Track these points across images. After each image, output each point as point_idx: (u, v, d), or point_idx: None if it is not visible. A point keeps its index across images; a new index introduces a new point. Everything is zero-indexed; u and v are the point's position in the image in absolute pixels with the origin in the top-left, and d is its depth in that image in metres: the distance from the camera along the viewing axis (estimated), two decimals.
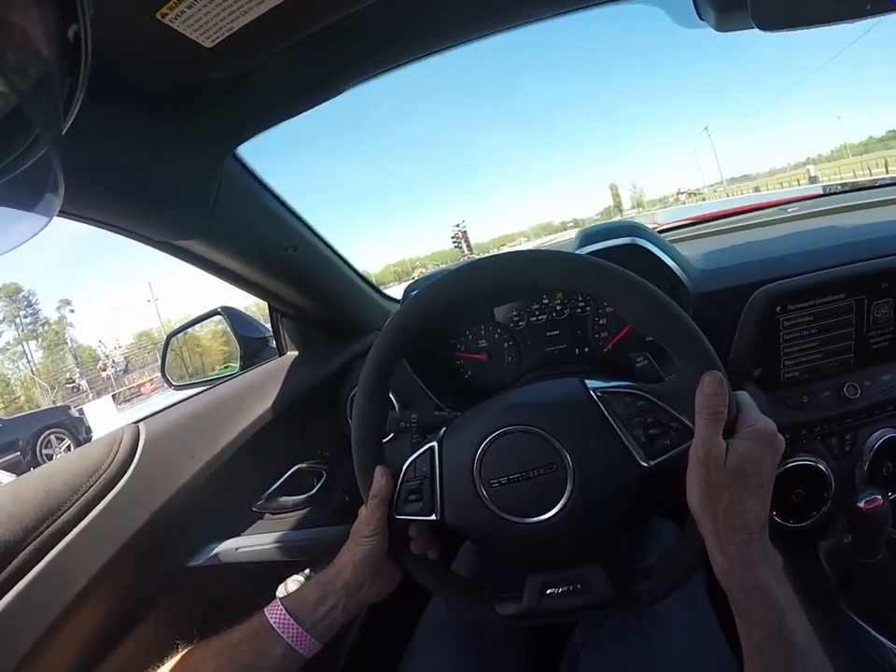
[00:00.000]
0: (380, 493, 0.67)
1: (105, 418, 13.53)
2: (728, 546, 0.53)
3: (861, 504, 0.85)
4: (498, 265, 0.64)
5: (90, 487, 0.80)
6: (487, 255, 0.70)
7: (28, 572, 0.69)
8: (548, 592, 0.64)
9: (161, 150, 0.77)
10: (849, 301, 0.94)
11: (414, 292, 1.09)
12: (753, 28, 0.68)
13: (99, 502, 0.80)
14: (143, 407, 21.17)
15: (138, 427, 0.92)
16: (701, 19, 0.79)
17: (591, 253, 1.00)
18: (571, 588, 0.63)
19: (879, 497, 0.85)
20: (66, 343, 48.89)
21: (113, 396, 24.32)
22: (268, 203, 1.00)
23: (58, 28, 0.33)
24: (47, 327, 48.82)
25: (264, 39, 0.63)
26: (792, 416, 0.96)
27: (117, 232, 0.81)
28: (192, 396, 1.11)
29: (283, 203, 1.03)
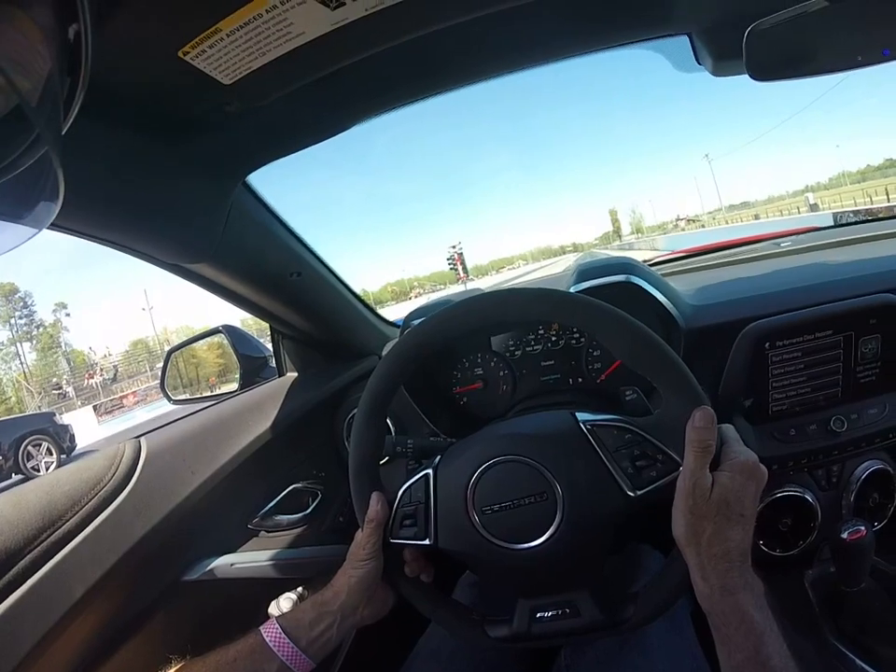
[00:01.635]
0: (376, 518, 0.69)
1: (82, 430, 13.18)
2: (710, 573, 0.55)
3: (845, 535, 0.85)
4: (500, 301, 0.67)
5: (91, 499, 0.81)
6: (489, 289, 0.72)
7: (27, 580, 0.70)
8: (538, 616, 0.65)
9: (175, 175, 0.81)
10: (837, 338, 0.96)
11: (416, 321, 1.11)
12: (747, 75, 0.72)
13: (99, 514, 0.81)
14: (123, 420, 20.88)
15: (139, 441, 0.94)
16: (699, 64, 0.83)
17: (586, 290, 1.03)
18: (560, 612, 0.64)
19: (862, 527, 0.86)
20: (60, 346, 48.54)
21: (94, 407, 23.84)
22: (275, 229, 1.04)
23: (58, 28, 0.33)
24: (41, 329, 48.51)
25: (280, 78, 0.66)
26: (780, 448, 0.98)
27: (129, 253, 0.84)
28: (193, 413, 1.13)
29: (289, 230, 1.06)
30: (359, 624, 0.74)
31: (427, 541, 0.67)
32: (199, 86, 0.62)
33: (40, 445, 10.46)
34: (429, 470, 0.69)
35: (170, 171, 0.79)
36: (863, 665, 0.85)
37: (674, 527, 0.58)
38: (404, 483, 0.70)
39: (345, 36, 0.59)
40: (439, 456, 0.71)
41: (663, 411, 0.62)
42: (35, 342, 47.36)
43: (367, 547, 0.69)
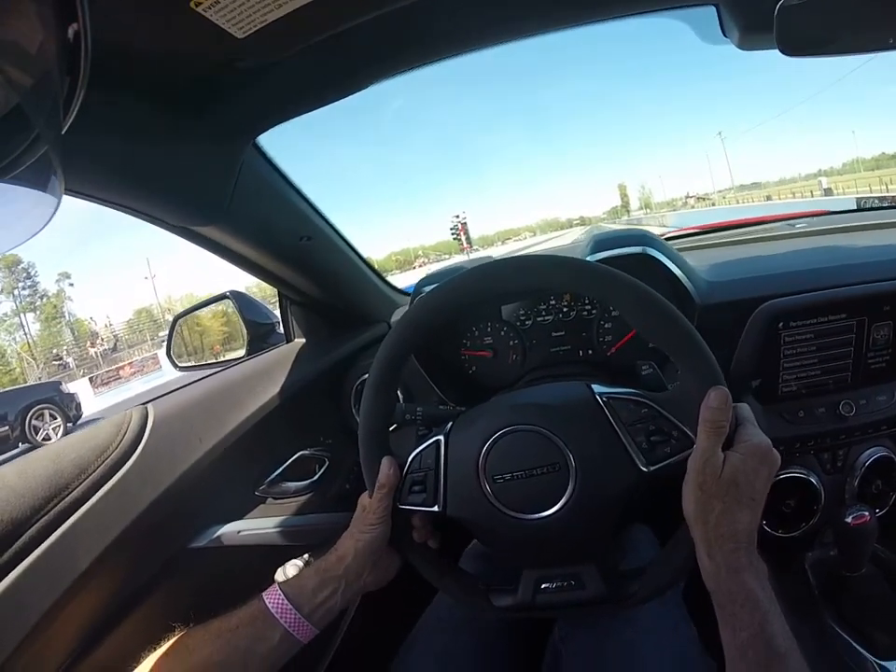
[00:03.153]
0: (387, 483, 0.69)
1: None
2: (717, 552, 0.55)
3: (849, 519, 0.86)
4: (518, 267, 0.66)
5: (97, 467, 0.82)
6: (505, 256, 0.71)
7: (35, 549, 0.71)
8: (542, 587, 0.66)
9: (184, 137, 0.79)
10: (850, 322, 0.95)
11: (427, 288, 1.10)
12: (775, 49, 0.70)
13: (106, 482, 0.82)
14: (119, 391, 20.90)
15: (146, 408, 0.94)
16: (725, 36, 0.81)
17: (602, 260, 1.02)
18: (565, 584, 0.65)
19: (867, 513, 0.86)
20: (64, 316, 48.67)
21: (90, 379, 23.75)
22: (286, 192, 1.02)
23: (58, 28, 0.33)
24: (45, 299, 48.60)
25: (295, 33, 0.64)
26: (788, 430, 0.98)
27: (135, 216, 0.83)
28: (200, 379, 1.13)
29: (300, 194, 1.05)
30: (363, 591, 0.75)
31: (435, 508, 0.67)
32: (211, 40, 0.61)
33: (46, 414, 10.54)
34: (441, 437, 0.69)
35: (180, 131, 0.78)
36: (860, 650, 0.86)
37: (684, 504, 0.59)
38: (414, 450, 0.70)
39: None
40: (450, 423, 0.71)
41: (680, 387, 0.62)
42: (38, 312, 47.51)
43: (377, 511, 0.69)
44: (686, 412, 0.59)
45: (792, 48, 0.70)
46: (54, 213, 0.37)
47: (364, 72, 0.81)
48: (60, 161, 0.35)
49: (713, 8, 0.78)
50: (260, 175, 0.95)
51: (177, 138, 0.78)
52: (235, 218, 0.93)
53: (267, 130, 0.87)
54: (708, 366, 0.58)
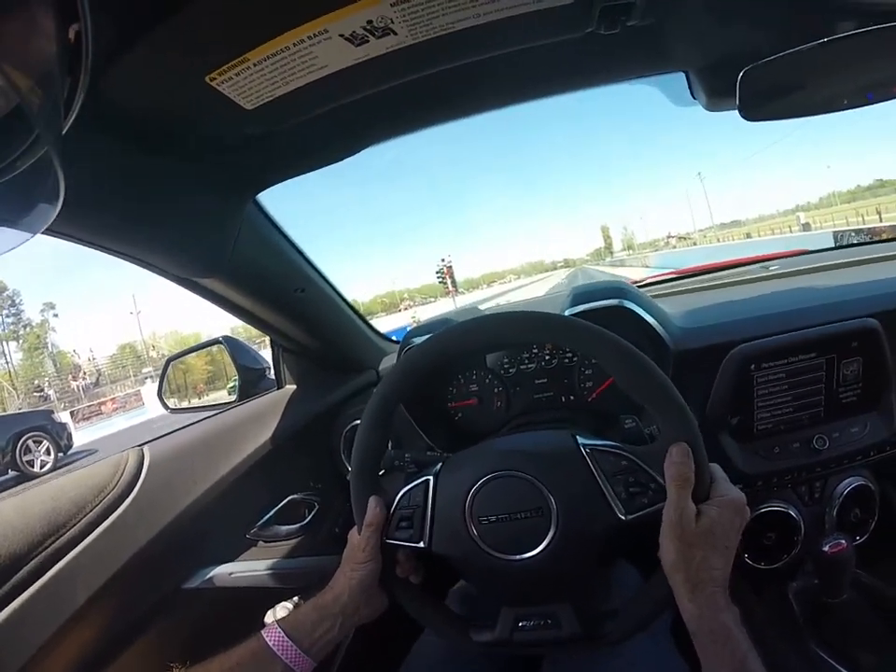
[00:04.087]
0: (374, 521, 0.71)
1: None
2: (698, 596, 0.59)
3: (826, 548, 0.89)
4: (505, 322, 0.70)
5: (95, 506, 0.83)
6: (481, 302, 0.75)
7: (32, 584, 0.72)
8: (520, 624, 0.68)
9: (189, 192, 0.84)
10: (820, 360, 0.99)
11: (417, 339, 1.14)
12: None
13: (104, 521, 0.83)
14: (101, 427, 20.33)
15: (143, 450, 0.96)
16: (693, 98, 0.87)
17: (580, 312, 1.06)
18: (542, 623, 0.67)
19: (843, 541, 0.90)
20: (47, 346, 47.84)
21: (71, 413, 23.10)
22: (283, 246, 1.07)
23: (59, 28, 0.33)
24: (28, 329, 47.83)
25: (299, 106, 0.70)
26: (765, 465, 1.01)
27: (142, 266, 0.86)
28: (195, 422, 1.15)
29: (296, 248, 1.09)
30: (359, 623, 0.75)
31: (421, 544, 0.69)
32: (221, 109, 0.65)
33: (38, 442, 10.19)
34: (430, 477, 0.71)
35: (185, 187, 0.82)
36: None
37: (662, 554, 0.62)
38: (403, 487, 0.73)
39: (365, 70, 0.63)
40: (440, 464, 0.73)
41: (659, 443, 0.65)
42: (21, 341, 46.74)
43: (366, 550, 0.71)
44: (663, 465, 0.62)
45: (753, 111, 0.76)
46: (55, 213, 0.38)
47: (361, 137, 0.87)
48: (60, 161, 0.35)
49: (683, 75, 0.85)
50: (260, 229, 1.00)
51: (181, 192, 0.82)
52: (235, 271, 0.97)
53: (267, 188, 0.92)
54: (679, 418, 0.62)
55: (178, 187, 0.81)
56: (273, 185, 0.91)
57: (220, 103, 0.64)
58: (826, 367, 1.00)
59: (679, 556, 0.59)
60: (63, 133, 0.37)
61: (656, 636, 0.81)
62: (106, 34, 0.33)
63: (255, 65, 0.59)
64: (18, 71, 0.30)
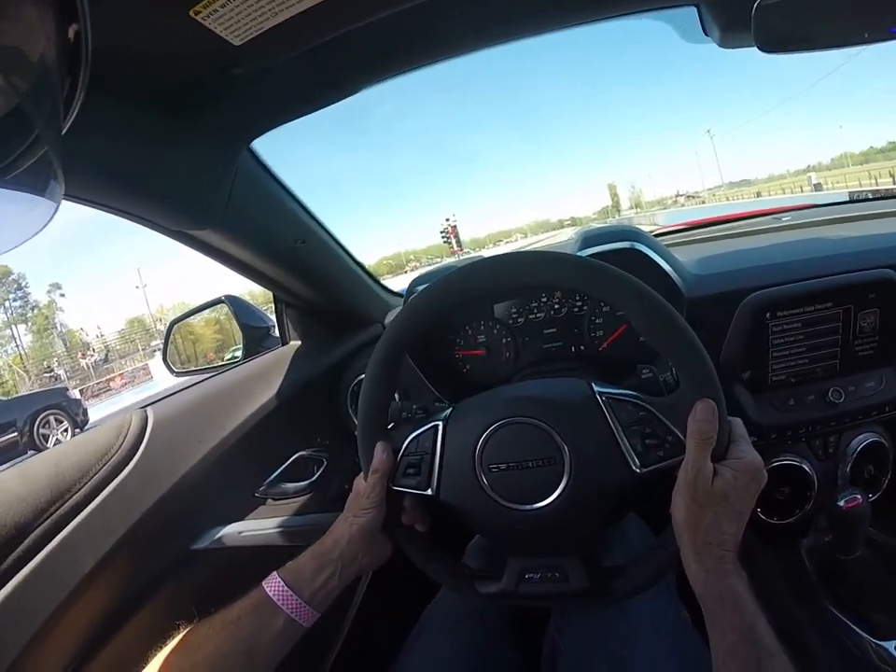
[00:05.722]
0: (381, 467, 0.70)
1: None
2: (705, 557, 0.57)
3: (841, 503, 0.88)
4: (519, 262, 0.68)
5: (99, 470, 0.82)
6: (496, 253, 0.72)
7: (38, 552, 0.71)
8: (527, 576, 0.67)
9: (181, 142, 0.80)
10: (837, 310, 0.97)
11: (420, 287, 1.11)
12: (755, 47, 0.72)
13: (108, 485, 0.82)
14: (111, 403, 20.49)
15: (146, 411, 0.95)
16: (706, 35, 0.83)
17: (591, 255, 1.03)
18: (549, 576, 0.66)
19: (859, 496, 0.88)
20: (55, 327, 48.30)
21: (80, 391, 23.03)
22: (280, 196, 1.04)
23: (58, 28, 0.33)
24: (36, 311, 48.22)
25: (290, 40, 0.66)
26: (779, 417, 1.00)
27: (133, 220, 0.84)
28: (198, 382, 1.14)
29: (294, 197, 1.06)
30: (360, 572, 0.75)
31: (428, 491, 0.68)
32: (208, 47, 0.62)
33: (58, 421, 10.44)
34: (439, 422, 0.70)
35: (175, 136, 0.79)
36: (858, 631, 0.87)
37: (673, 511, 0.60)
38: (412, 433, 0.71)
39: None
40: (450, 409, 0.72)
41: (679, 394, 0.62)
42: (30, 324, 47.17)
43: (370, 496, 0.70)
44: (682, 419, 0.60)
45: (770, 45, 0.72)
46: (54, 213, 0.38)
47: (355, 77, 0.83)
48: (60, 161, 0.35)
49: (694, 9, 0.80)
50: (255, 178, 0.97)
51: (174, 143, 0.79)
52: (231, 222, 0.94)
53: (261, 135, 0.89)
54: (707, 378, 0.60)
55: (169, 136, 0.78)
56: (266, 131, 0.88)
57: (207, 40, 0.60)
58: (843, 318, 0.98)
59: (689, 515, 0.58)
60: (63, 132, 0.37)
61: (661, 597, 0.81)
62: None
63: None
64: (18, 71, 0.31)
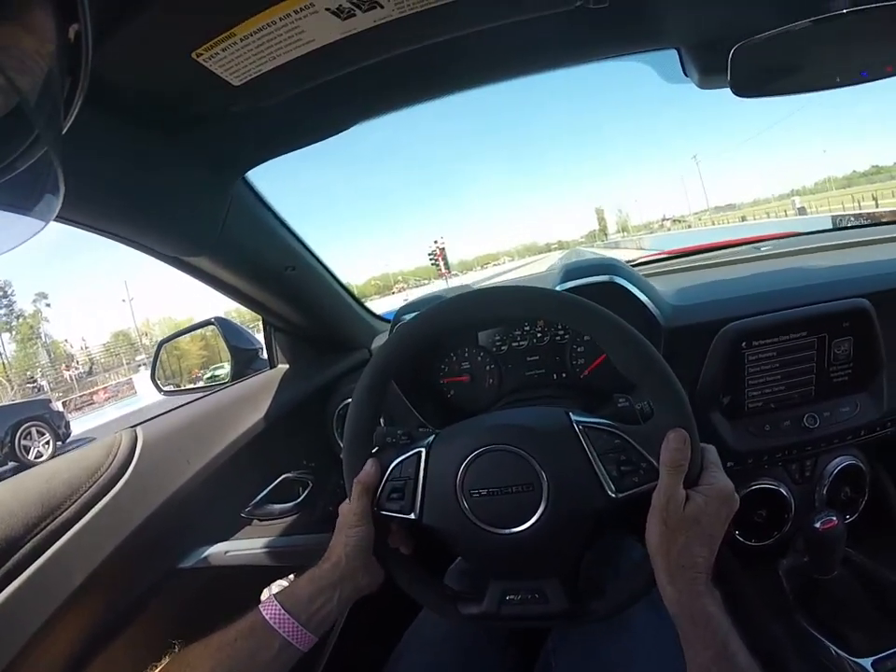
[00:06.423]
0: (365, 480, 0.71)
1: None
2: (678, 579, 0.59)
3: (818, 524, 0.91)
4: (501, 296, 0.70)
5: (89, 488, 0.83)
6: (474, 284, 0.75)
7: (28, 567, 0.72)
8: (507, 598, 0.68)
9: (177, 172, 0.83)
10: (811, 339, 1.00)
11: (407, 316, 1.14)
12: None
13: (98, 502, 0.83)
14: (94, 417, 20.19)
15: (136, 431, 0.96)
16: (686, 76, 0.87)
17: (571, 289, 1.06)
18: (530, 597, 0.67)
19: (835, 518, 0.91)
20: (40, 337, 47.58)
21: (63, 403, 22.84)
22: (272, 224, 1.06)
23: (58, 28, 0.32)
24: (21, 319, 47.51)
25: (288, 81, 0.69)
26: (755, 443, 1.02)
27: (131, 246, 0.86)
28: (187, 403, 1.15)
29: (285, 225, 1.09)
30: (359, 594, 0.75)
31: (412, 515, 0.69)
32: (208, 85, 0.64)
33: (39, 433, 10.15)
34: (422, 449, 0.71)
35: (172, 166, 0.81)
36: (835, 649, 0.89)
37: (647, 535, 0.62)
38: (396, 458, 0.72)
39: (353, 44, 0.62)
40: (433, 436, 0.73)
41: (653, 423, 0.65)
42: (14, 332, 46.50)
43: (356, 511, 0.70)
44: (656, 447, 0.62)
45: (745, 88, 0.76)
46: (54, 213, 0.38)
47: (350, 113, 0.86)
48: (60, 162, 0.35)
49: (675, 52, 0.84)
50: (249, 207, 0.99)
51: (169, 171, 0.81)
52: (224, 250, 0.96)
53: (255, 166, 0.92)
54: (680, 408, 0.62)
55: (167, 165, 0.81)
56: (261, 162, 0.91)
57: (208, 79, 0.63)
58: (817, 346, 1.01)
59: (662, 540, 0.60)
60: (63, 132, 0.37)
61: (656, 617, 0.82)
62: (93, 12, 0.32)
63: (241, 40, 0.58)
64: (18, 71, 0.30)
